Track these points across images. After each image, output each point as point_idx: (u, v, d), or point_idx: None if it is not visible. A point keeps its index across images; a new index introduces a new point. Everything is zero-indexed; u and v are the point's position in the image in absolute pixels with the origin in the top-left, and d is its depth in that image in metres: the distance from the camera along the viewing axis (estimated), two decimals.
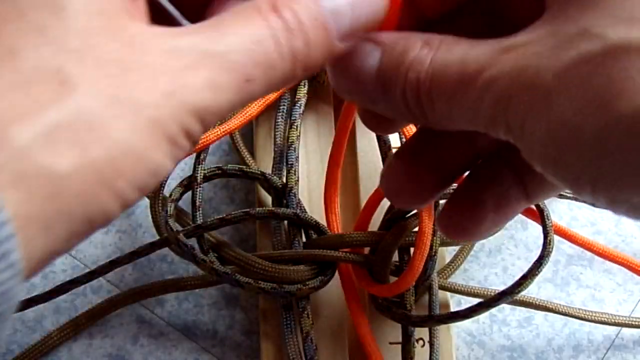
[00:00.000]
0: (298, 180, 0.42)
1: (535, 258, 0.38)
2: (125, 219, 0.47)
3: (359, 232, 0.41)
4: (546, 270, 0.46)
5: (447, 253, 0.45)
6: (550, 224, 0.37)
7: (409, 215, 0.40)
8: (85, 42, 0.20)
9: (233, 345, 0.45)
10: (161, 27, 0.22)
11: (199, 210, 0.42)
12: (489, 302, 0.36)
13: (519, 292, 0.35)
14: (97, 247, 0.47)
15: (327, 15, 0.22)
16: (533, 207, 0.39)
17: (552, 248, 0.36)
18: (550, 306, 0.44)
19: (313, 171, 0.45)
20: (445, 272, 0.43)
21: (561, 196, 0.44)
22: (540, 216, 0.38)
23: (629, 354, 0.45)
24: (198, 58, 0.21)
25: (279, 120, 0.44)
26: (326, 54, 0.23)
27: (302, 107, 0.44)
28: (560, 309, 0.44)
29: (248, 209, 0.41)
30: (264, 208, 0.42)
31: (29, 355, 0.44)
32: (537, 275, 0.35)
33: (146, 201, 0.47)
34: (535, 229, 0.48)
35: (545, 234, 0.37)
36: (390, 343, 0.42)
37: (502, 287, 0.39)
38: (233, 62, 0.21)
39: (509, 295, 0.35)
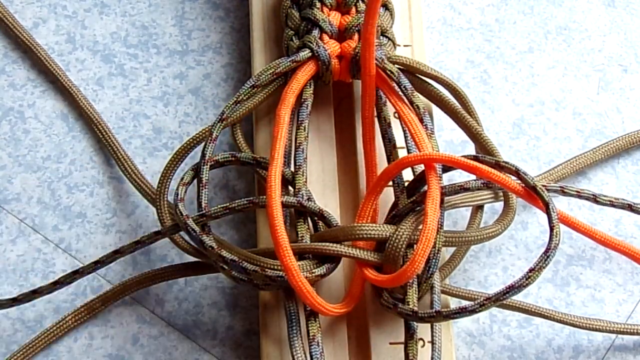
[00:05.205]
0: (306, 182, 0.42)
1: (535, 258, 0.38)
2: (125, 219, 0.47)
3: (372, 224, 0.40)
4: (546, 271, 0.46)
5: (447, 253, 0.45)
6: (556, 216, 0.37)
7: (415, 210, 0.40)
8: None
9: (233, 345, 0.45)
10: None
11: (205, 188, 0.42)
12: (497, 296, 0.36)
13: (527, 285, 0.35)
14: (97, 248, 0.47)
15: None
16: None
17: (559, 240, 0.36)
18: (546, 313, 0.44)
19: (313, 171, 0.45)
20: (444, 270, 0.43)
21: (564, 193, 0.44)
22: (545, 209, 0.37)
23: (629, 355, 0.46)
24: None
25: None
26: None
27: (309, 107, 0.44)
28: (555, 316, 0.44)
29: (252, 198, 0.41)
30: None
31: (27, 352, 0.44)
32: (545, 267, 0.35)
33: (146, 201, 0.47)
34: (536, 228, 0.48)
35: (551, 227, 0.37)
36: (391, 343, 0.42)
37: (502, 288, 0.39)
38: None
39: (517, 288, 0.35)
